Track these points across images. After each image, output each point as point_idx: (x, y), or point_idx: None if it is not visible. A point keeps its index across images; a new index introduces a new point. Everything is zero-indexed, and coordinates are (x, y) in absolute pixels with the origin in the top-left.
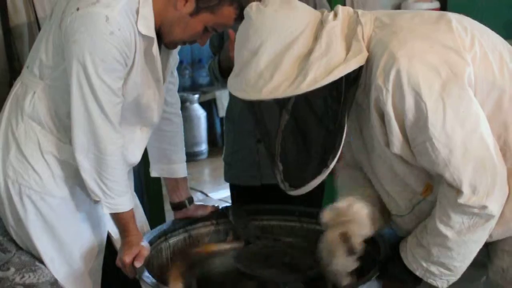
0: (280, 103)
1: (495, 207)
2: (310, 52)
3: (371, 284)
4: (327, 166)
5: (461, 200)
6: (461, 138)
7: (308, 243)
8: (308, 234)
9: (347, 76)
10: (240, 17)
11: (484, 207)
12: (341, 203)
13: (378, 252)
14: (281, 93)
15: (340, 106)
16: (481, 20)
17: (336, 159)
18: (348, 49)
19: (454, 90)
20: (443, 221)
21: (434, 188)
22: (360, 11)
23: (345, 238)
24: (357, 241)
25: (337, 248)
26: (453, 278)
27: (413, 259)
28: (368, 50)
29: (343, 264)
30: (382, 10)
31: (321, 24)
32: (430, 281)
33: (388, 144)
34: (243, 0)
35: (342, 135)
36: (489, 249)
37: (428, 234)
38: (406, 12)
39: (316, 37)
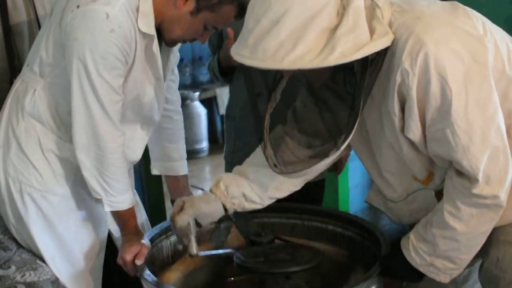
0: (298, 76)
1: (505, 197)
2: (335, 26)
3: (372, 281)
4: (337, 147)
5: (475, 190)
6: (481, 126)
7: (309, 240)
8: (309, 231)
9: (372, 56)
10: (239, 15)
11: (496, 197)
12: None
13: (378, 248)
14: (306, 64)
15: (362, 85)
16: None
17: (347, 142)
18: (371, 30)
19: (476, 78)
20: (452, 213)
21: (435, 176)
22: None
23: (179, 210)
24: (181, 218)
25: (171, 214)
26: (456, 272)
27: (417, 254)
28: None
29: (176, 232)
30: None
31: (342, 2)
32: (433, 276)
33: (403, 129)
34: None
35: (357, 116)
36: None
37: (434, 227)
38: (420, 1)
39: (339, 13)
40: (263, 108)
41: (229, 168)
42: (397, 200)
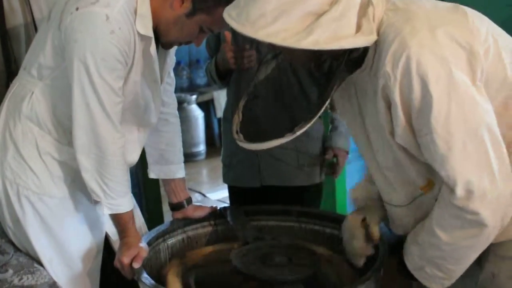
0: (270, 50)
1: (488, 216)
2: (322, 13)
3: (369, 283)
4: (293, 132)
5: (455, 202)
6: (462, 137)
7: (307, 243)
8: (307, 235)
9: (351, 53)
10: None
11: (476, 213)
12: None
13: (376, 251)
14: (278, 40)
15: (330, 79)
16: None
17: (303, 130)
18: (358, 27)
19: (461, 87)
20: (439, 222)
21: (435, 186)
22: None
23: (365, 224)
24: (375, 229)
25: (357, 232)
26: (447, 282)
27: (409, 257)
28: (378, 33)
29: (361, 247)
30: None
31: None
32: (425, 282)
33: (392, 133)
34: None
35: (320, 109)
36: (480, 254)
37: (424, 232)
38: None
39: (332, 2)
40: (256, 109)
41: (226, 172)
42: (403, 204)
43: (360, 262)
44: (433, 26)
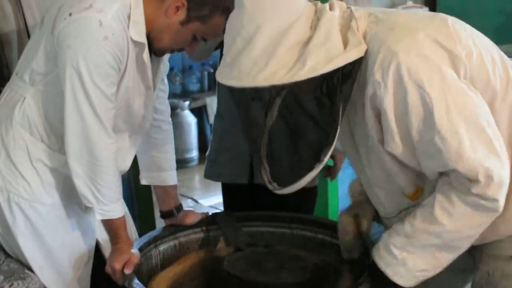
0: (274, 92)
1: (503, 203)
2: (308, 40)
3: None
4: (320, 160)
5: (476, 190)
6: (466, 129)
7: (299, 249)
8: (299, 241)
9: (344, 68)
10: None
11: (496, 201)
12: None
13: (368, 257)
14: (277, 80)
15: (336, 98)
16: (470, 25)
17: (329, 154)
18: (345, 42)
19: (452, 84)
20: (444, 207)
21: (424, 191)
22: (353, 7)
23: (357, 221)
24: (364, 222)
25: (348, 228)
26: (427, 274)
27: (387, 252)
28: None
29: (350, 242)
30: (375, 8)
31: (316, 14)
32: (396, 279)
33: (381, 141)
34: None
35: (337, 128)
36: (474, 254)
37: (417, 220)
38: (400, 11)
39: (312, 26)
40: (256, 115)
41: (209, 167)
42: (390, 216)
43: (353, 255)
44: (414, 30)
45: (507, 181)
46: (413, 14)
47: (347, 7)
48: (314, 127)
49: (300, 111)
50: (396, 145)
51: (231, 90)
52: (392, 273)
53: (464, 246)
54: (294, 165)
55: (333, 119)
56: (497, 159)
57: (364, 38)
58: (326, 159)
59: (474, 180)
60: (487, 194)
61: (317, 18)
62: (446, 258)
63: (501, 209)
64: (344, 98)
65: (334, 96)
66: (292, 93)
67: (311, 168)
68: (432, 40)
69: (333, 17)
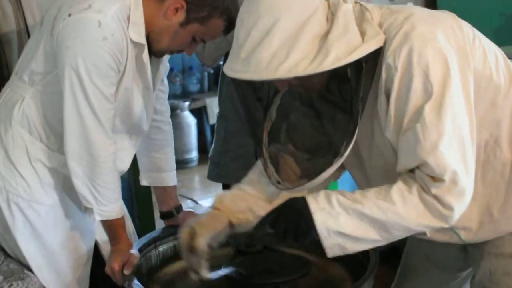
0: (293, 88)
1: (456, 216)
2: (326, 32)
3: None
4: (341, 154)
5: (435, 191)
6: (450, 129)
7: (298, 250)
8: None
9: (366, 58)
10: (228, 30)
11: (451, 209)
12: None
13: (367, 258)
14: (301, 71)
15: (359, 88)
16: None
17: (350, 146)
18: (362, 33)
19: (454, 81)
20: (401, 190)
21: None
22: (363, 2)
23: (192, 235)
24: (200, 242)
25: (182, 246)
26: (358, 247)
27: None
28: None
29: (188, 260)
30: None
31: (330, 7)
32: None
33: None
34: (233, 13)
35: (358, 119)
36: (474, 252)
37: (371, 192)
38: (411, 5)
39: (328, 19)
40: (261, 116)
41: (213, 169)
42: None
43: (202, 275)
44: (430, 22)
45: (467, 198)
46: (425, 9)
47: (356, 2)
48: (328, 125)
49: (327, 98)
50: (391, 129)
51: (238, 89)
52: (320, 219)
53: (397, 236)
54: (303, 164)
55: (356, 109)
56: (466, 171)
57: (380, 28)
58: (347, 152)
59: (438, 179)
60: (445, 198)
61: (331, 12)
62: (372, 238)
63: (452, 222)
64: (367, 87)
65: (357, 85)
66: (306, 87)
67: (330, 164)
68: (445, 34)
69: (348, 9)
